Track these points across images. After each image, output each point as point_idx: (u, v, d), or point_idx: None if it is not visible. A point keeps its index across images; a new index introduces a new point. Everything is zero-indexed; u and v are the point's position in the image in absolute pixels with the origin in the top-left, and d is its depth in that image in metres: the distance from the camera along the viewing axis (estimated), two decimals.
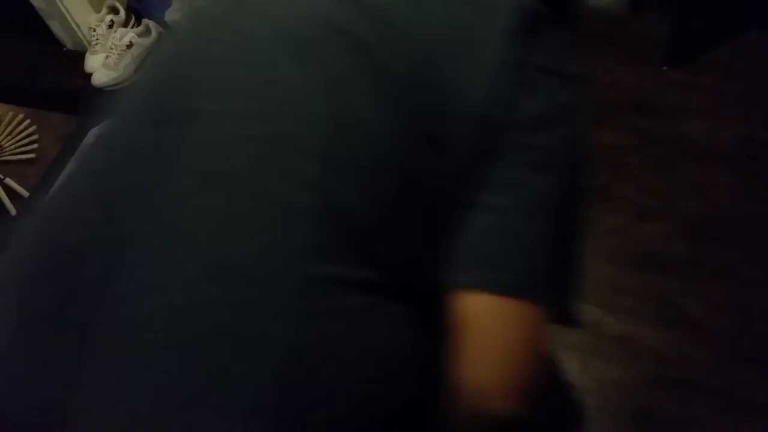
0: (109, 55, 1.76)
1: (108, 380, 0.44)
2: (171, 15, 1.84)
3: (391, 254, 0.49)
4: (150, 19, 1.83)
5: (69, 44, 1.87)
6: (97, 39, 1.80)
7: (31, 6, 1.76)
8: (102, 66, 1.76)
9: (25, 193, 1.55)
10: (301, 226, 0.46)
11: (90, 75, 1.77)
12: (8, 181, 1.55)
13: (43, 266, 0.51)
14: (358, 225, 0.48)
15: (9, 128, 1.67)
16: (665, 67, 1.63)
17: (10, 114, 1.69)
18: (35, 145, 1.65)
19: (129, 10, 1.88)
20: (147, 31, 1.81)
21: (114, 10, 1.84)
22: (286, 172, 0.48)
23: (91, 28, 1.81)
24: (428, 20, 0.54)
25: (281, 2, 0.57)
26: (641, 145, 1.49)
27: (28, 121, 1.69)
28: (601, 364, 1.17)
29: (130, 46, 1.77)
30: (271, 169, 0.48)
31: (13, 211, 1.51)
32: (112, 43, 1.77)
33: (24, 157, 1.63)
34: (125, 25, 1.85)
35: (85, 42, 1.84)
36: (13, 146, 1.64)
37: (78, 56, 1.83)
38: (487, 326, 0.49)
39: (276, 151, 0.49)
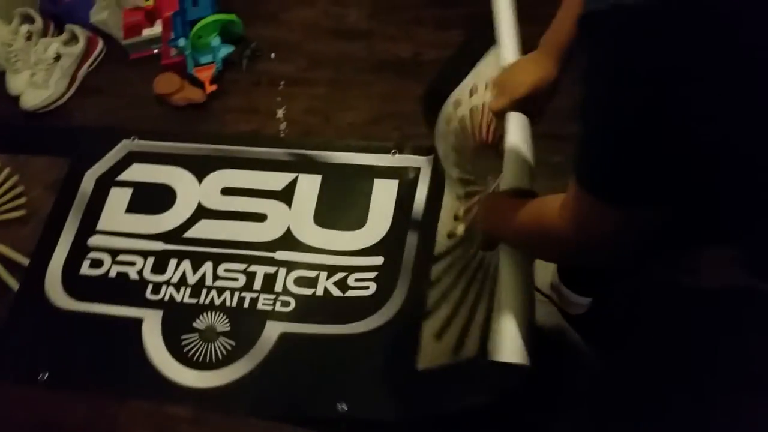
0: (35, 72, 1.53)
1: None
2: (97, 15, 1.61)
3: None
4: (73, 23, 1.59)
5: None
6: (15, 55, 1.55)
7: None
8: (29, 86, 1.53)
9: (25, 260, 1.28)
10: None
11: (17, 98, 1.54)
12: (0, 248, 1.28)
13: None
14: None
15: None
16: None
17: None
18: (23, 199, 1.38)
19: (45, 16, 1.63)
20: (73, 38, 1.58)
21: (28, 19, 1.59)
22: None
23: (5, 43, 1.56)
24: None
25: None
26: None
27: (7, 170, 1.39)
28: None
29: (57, 58, 1.54)
30: None
31: (14, 285, 1.25)
32: (36, 58, 1.53)
33: (12, 215, 1.35)
34: (45, 34, 1.61)
35: (1, 61, 1.59)
36: None
37: None
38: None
39: None
